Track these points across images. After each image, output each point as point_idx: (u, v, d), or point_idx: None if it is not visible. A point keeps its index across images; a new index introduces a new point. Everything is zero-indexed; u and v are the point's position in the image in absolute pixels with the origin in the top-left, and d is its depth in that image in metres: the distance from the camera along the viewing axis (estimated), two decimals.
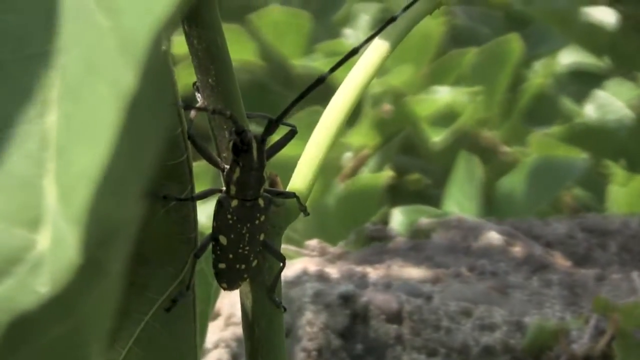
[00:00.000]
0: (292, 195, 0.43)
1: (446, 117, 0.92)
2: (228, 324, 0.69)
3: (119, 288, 0.19)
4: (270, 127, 0.42)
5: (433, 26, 0.95)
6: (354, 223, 0.81)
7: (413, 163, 0.98)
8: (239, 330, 0.67)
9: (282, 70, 1.03)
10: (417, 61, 0.98)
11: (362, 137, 0.97)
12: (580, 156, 0.90)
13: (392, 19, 0.41)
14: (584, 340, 0.61)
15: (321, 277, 0.67)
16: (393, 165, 0.92)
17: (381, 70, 1.10)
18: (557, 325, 0.61)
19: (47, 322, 0.18)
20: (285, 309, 0.47)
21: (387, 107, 0.96)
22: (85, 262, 0.17)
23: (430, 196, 0.96)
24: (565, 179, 0.86)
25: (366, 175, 0.86)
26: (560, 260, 0.70)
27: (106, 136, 0.18)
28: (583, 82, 0.95)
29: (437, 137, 0.90)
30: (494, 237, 0.71)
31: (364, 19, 1.06)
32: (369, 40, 0.41)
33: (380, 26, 0.41)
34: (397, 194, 0.93)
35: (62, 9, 0.21)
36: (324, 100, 1.08)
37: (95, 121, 0.19)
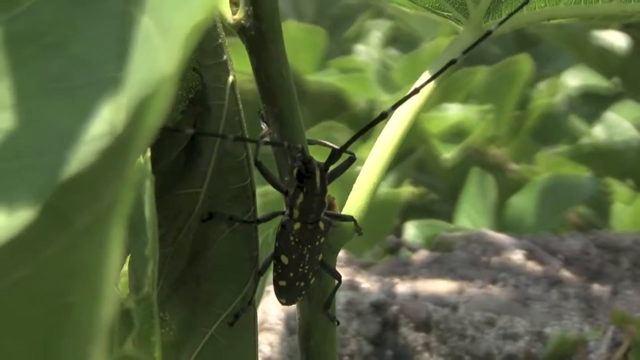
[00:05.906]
0: (350, 218, 0.46)
1: (457, 134, 0.93)
2: (261, 329, 0.70)
3: (96, 250, 0.20)
4: (334, 156, 0.45)
5: (444, 44, 0.97)
6: (374, 236, 0.83)
7: (421, 178, 1.00)
8: (271, 336, 0.70)
9: (296, 85, 1.04)
10: None
11: None
12: (585, 175, 0.92)
13: (452, 61, 0.44)
14: (601, 351, 0.63)
15: (352, 286, 0.70)
16: (412, 181, 0.93)
17: (392, 87, 1.12)
18: (577, 336, 0.64)
19: (9, 261, 0.19)
20: (338, 323, 0.50)
21: None
22: (45, 208, 0.19)
23: (437, 210, 0.97)
24: (575, 199, 0.87)
25: (387, 190, 0.87)
26: (576, 275, 0.72)
27: None
28: (593, 103, 0.96)
29: (448, 154, 0.91)
30: (513, 251, 0.74)
31: (376, 36, 1.07)
32: (428, 82, 0.44)
33: (440, 68, 0.44)
34: (405, 207, 0.95)
35: (132, 37, 0.22)
36: (338, 114, 1.10)
37: None
